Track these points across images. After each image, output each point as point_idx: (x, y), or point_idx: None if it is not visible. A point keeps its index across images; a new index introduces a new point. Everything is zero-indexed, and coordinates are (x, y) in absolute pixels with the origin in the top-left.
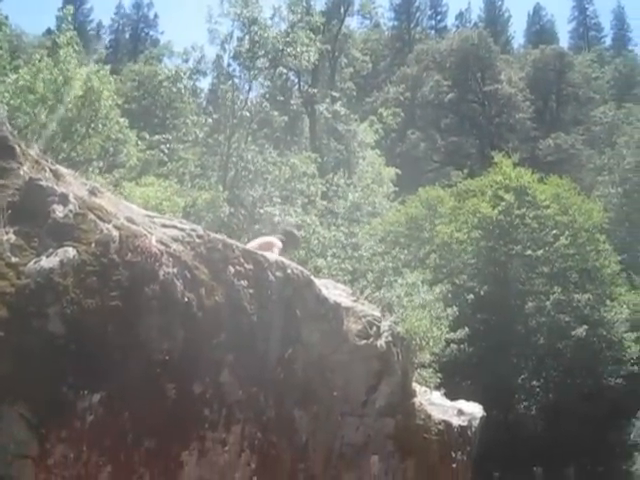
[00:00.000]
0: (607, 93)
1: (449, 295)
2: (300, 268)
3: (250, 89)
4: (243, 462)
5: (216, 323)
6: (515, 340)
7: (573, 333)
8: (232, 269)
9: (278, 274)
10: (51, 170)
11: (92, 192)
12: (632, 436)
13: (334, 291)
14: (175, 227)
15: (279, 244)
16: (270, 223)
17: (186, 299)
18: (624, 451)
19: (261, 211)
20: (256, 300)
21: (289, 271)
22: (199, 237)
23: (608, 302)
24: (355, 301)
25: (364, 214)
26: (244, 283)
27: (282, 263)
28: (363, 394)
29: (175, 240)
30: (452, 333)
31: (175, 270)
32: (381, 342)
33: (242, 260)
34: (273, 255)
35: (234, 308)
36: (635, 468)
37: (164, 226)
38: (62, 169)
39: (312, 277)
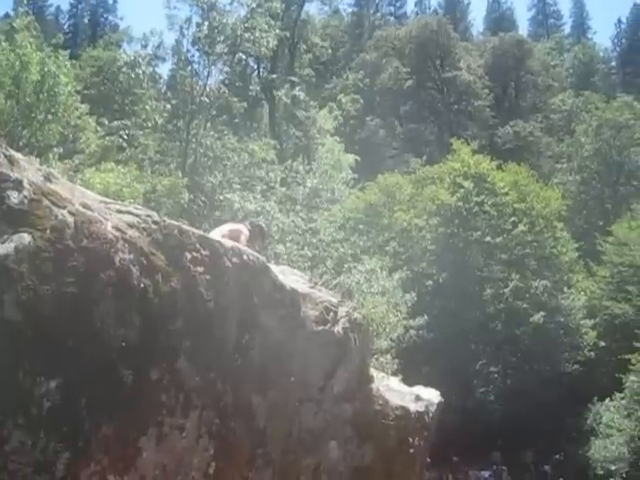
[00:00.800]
0: (566, 81)
1: (408, 282)
2: (256, 254)
3: (209, 75)
4: (201, 448)
5: (172, 309)
6: (473, 326)
7: (531, 320)
8: (188, 255)
9: (235, 260)
10: (5, 156)
11: (47, 178)
12: (588, 421)
13: (291, 277)
14: (130, 213)
15: (246, 232)
16: (230, 210)
17: (142, 285)
18: (581, 436)
19: (221, 197)
20: (213, 286)
21: (245, 257)
22: (155, 223)
23: (565, 289)
24: (312, 287)
25: (323, 200)
26: (200, 269)
27: (238, 249)
28: (321, 380)
29: (131, 226)
30: (411, 320)
31: (131, 256)
32: (338, 328)
33: (198, 246)
34: (229, 241)
35: (190, 294)
36: (591, 453)
37: (119, 212)
38: (17, 155)
39: (268, 263)
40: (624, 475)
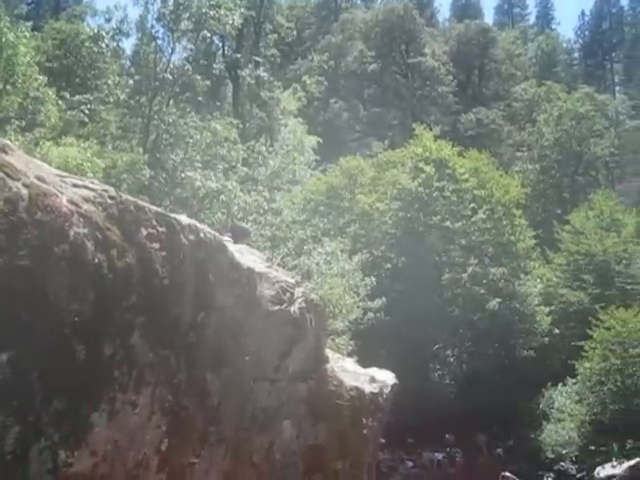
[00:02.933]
0: (529, 70)
1: (367, 265)
2: (213, 232)
3: (173, 52)
4: (154, 424)
5: (127, 285)
6: (431, 310)
7: (487, 305)
8: (144, 231)
9: (191, 237)
10: None
11: (2, 149)
12: (541, 406)
13: (248, 256)
14: (87, 187)
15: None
16: (191, 188)
17: (96, 260)
18: (533, 420)
19: (182, 175)
20: (168, 263)
21: (202, 235)
22: (111, 198)
23: (522, 276)
24: (269, 267)
25: (285, 182)
26: (156, 245)
27: (195, 227)
28: (276, 359)
29: (86, 200)
30: (369, 302)
31: (86, 230)
32: (294, 308)
33: (154, 222)
34: (186, 218)
35: (146, 270)
36: (543, 437)
37: (75, 186)
38: None
39: (225, 242)
40: (574, 458)
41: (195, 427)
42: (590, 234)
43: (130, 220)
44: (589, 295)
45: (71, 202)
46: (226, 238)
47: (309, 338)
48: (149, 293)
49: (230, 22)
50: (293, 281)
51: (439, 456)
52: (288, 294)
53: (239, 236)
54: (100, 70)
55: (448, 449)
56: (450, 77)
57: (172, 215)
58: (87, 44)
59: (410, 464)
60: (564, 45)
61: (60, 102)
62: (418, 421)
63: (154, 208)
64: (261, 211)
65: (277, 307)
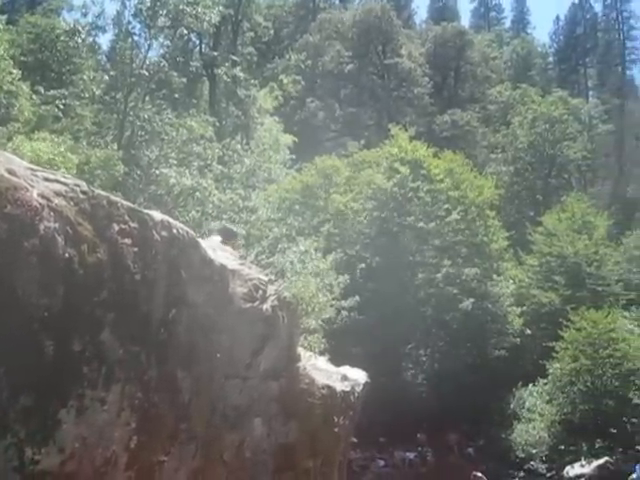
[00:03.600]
0: (504, 73)
1: (342, 264)
2: (186, 229)
3: (150, 48)
4: (123, 421)
5: (98, 281)
6: (404, 310)
7: (460, 305)
8: (116, 227)
9: (164, 234)
10: None
11: None
12: (512, 406)
13: (221, 253)
14: (58, 182)
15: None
16: (166, 185)
17: (67, 255)
18: (504, 420)
19: (157, 172)
20: (140, 259)
21: (175, 231)
22: (83, 193)
23: (495, 276)
24: (242, 264)
25: (260, 180)
26: (128, 241)
27: (168, 223)
28: (247, 357)
29: (58, 195)
30: (343, 301)
31: (56, 225)
32: (267, 306)
33: (127, 218)
34: (159, 214)
35: (117, 266)
36: (514, 436)
37: (47, 180)
38: None
39: (198, 238)
40: (544, 458)
41: (165, 424)
42: (562, 236)
43: (102, 215)
44: (560, 296)
45: (42, 196)
46: (215, 238)
47: (281, 336)
48: (120, 289)
49: (207, 19)
50: (266, 279)
51: (411, 455)
52: (260, 292)
53: (227, 238)
54: (76, 65)
55: (420, 448)
56: (426, 79)
57: (145, 211)
58: (63, 39)
59: (382, 463)
60: (539, 49)
61: (34, 97)
62: (390, 420)
63: (127, 204)
64: (236, 209)
65: (249, 304)
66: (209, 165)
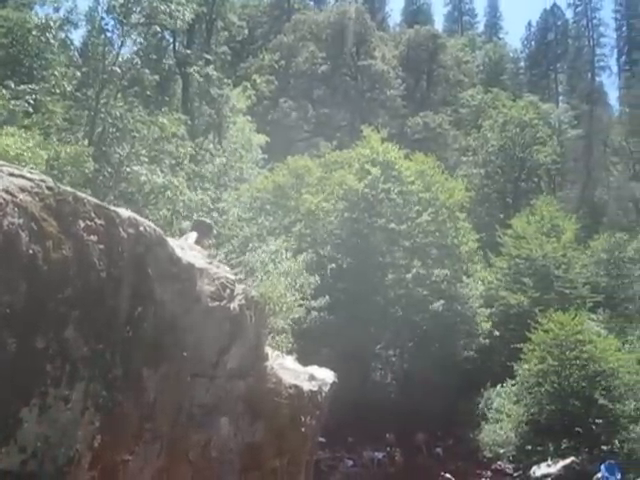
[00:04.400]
0: (476, 77)
1: (312, 264)
2: (153, 226)
3: (123, 45)
4: (86, 420)
5: (62, 277)
6: (374, 310)
7: (430, 307)
8: (82, 223)
9: (130, 231)
10: None
11: None
12: (480, 406)
13: (189, 252)
14: (24, 177)
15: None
16: (137, 183)
17: (31, 251)
18: (473, 420)
19: (127, 170)
20: (106, 256)
21: (142, 228)
22: (49, 189)
23: (464, 278)
24: (210, 263)
25: (232, 179)
26: (94, 238)
27: (135, 220)
28: (215, 355)
29: (23, 190)
30: (313, 301)
31: (21, 221)
32: (234, 305)
33: (93, 215)
34: (126, 211)
35: (82, 263)
36: (481, 436)
37: (12, 175)
38: None
39: (165, 236)
40: (511, 458)
41: (130, 423)
42: (531, 239)
43: (68, 212)
44: (529, 298)
45: (6, 191)
46: (192, 235)
47: (248, 335)
48: (85, 286)
49: (181, 17)
50: (234, 278)
51: (379, 455)
52: (228, 290)
53: (202, 231)
54: (47, 60)
55: (388, 448)
56: (399, 81)
57: (112, 208)
58: (34, 33)
59: (350, 463)
60: (511, 54)
61: (4, 91)
62: (359, 420)
63: (93, 200)
64: (206, 209)
65: (217, 303)
66: (181, 163)
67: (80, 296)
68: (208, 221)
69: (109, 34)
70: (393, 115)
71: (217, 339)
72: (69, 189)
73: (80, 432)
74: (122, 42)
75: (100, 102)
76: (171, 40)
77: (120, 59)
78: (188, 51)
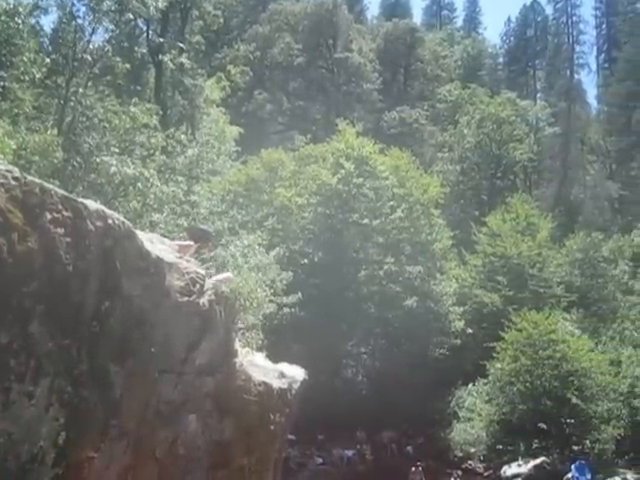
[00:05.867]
0: (454, 72)
1: (284, 259)
2: (122, 219)
3: (94, 32)
4: (51, 416)
5: (28, 271)
6: (346, 307)
7: (403, 304)
8: (49, 215)
9: (98, 224)
10: None
11: None
12: (452, 405)
13: (159, 246)
14: None
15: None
16: (106, 173)
17: None
18: (444, 419)
19: (97, 160)
20: (73, 249)
21: (110, 221)
22: (15, 179)
23: (438, 275)
24: (180, 257)
25: (204, 171)
26: (61, 231)
27: (103, 212)
28: (183, 352)
29: None
30: (285, 297)
31: None
32: (204, 300)
33: (60, 207)
34: (95, 204)
35: (49, 256)
36: (452, 435)
37: None
38: None
39: (134, 229)
40: (482, 457)
41: (95, 420)
42: (506, 237)
43: (34, 203)
44: (503, 297)
45: None
46: (186, 243)
47: (218, 331)
48: (51, 280)
49: (154, 5)
50: (204, 272)
51: (349, 453)
52: (198, 285)
53: (201, 239)
54: (16, 47)
55: (358, 446)
56: (376, 74)
57: (79, 200)
58: (3, 19)
59: (320, 461)
60: (489, 50)
61: None
62: (329, 418)
63: (60, 192)
64: (177, 201)
65: (186, 298)
66: (152, 155)
67: (46, 290)
68: (206, 228)
69: (80, 21)
70: (369, 109)
71: (186, 335)
72: (36, 180)
73: (44, 428)
74: (93, 29)
75: (70, 90)
76: (144, 28)
77: (91, 47)
78: (161, 39)
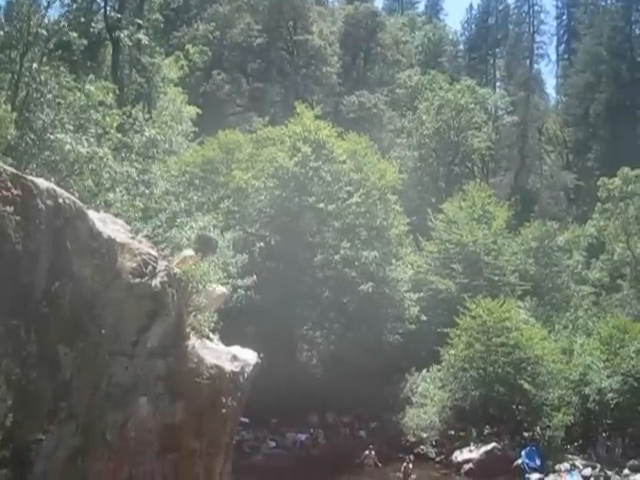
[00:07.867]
0: (414, 58)
1: (240, 242)
2: (73, 198)
3: (50, 6)
4: None
5: None
6: (302, 291)
7: (359, 288)
8: None
9: (49, 202)
10: None
11: None
12: (405, 390)
13: (112, 226)
14: None
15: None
16: (61, 151)
17: None
18: (397, 404)
19: (52, 137)
20: (23, 228)
21: (61, 200)
22: None
23: (393, 261)
24: (132, 238)
25: (160, 151)
26: (10, 209)
27: (54, 191)
28: (134, 334)
29: None
30: (240, 280)
31: None
32: (156, 282)
33: (9, 184)
34: (46, 182)
35: None
36: (405, 420)
37: None
38: None
39: (86, 209)
40: (434, 442)
41: (44, 402)
42: (462, 224)
43: None
44: (458, 284)
45: None
46: (190, 254)
47: (170, 313)
48: (0, 259)
49: None
50: (156, 254)
51: (302, 437)
52: (150, 267)
53: (209, 247)
54: None
55: (312, 430)
56: (336, 58)
57: (29, 178)
58: None
59: (273, 444)
60: (450, 36)
61: None
62: (283, 401)
63: (10, 169)
64: (131, 181)
65: (138, 280)
66: (107, 133)
67: None
68: (213, 236)
69: None
70: (328, 93)
71: (137, 317)
72: None
73: None
74: (49, 3)
75: (24, 65)
76: (102, 4)
77: (47, 21)
78: (119, 15)
